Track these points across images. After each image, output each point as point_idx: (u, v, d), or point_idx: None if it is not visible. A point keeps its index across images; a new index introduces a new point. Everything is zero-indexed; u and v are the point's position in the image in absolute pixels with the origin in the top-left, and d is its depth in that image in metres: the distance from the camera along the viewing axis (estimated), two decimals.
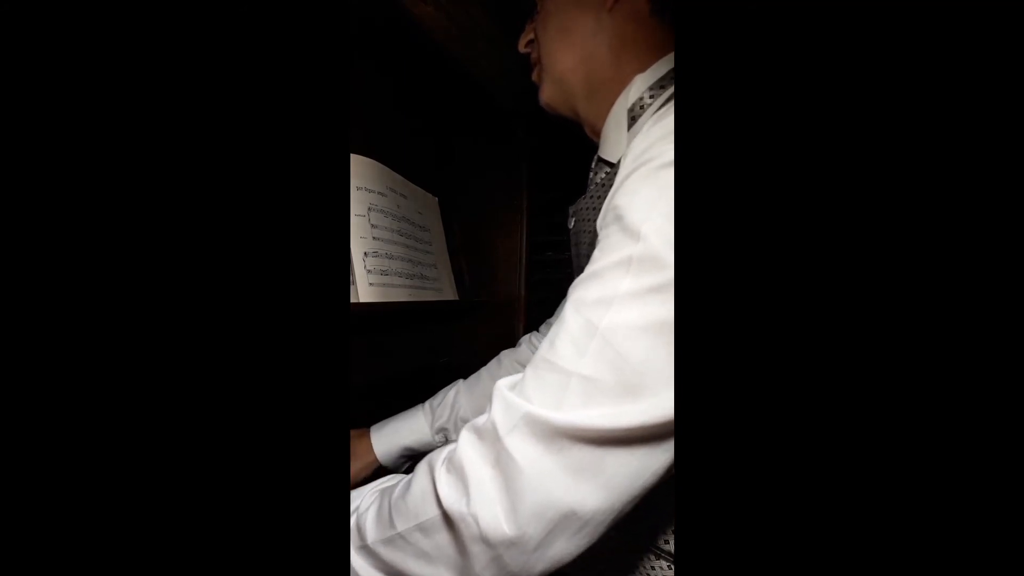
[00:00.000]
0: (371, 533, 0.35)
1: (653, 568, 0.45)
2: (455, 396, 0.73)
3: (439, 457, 0.34)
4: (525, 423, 0.31)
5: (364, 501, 0.39)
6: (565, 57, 0.50)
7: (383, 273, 0.73)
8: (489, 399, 0.34)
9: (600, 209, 0.46)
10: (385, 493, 0.37)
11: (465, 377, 0.80)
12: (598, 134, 0.53)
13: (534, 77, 0.57)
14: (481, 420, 0.34)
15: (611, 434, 0.29)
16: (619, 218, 0.33)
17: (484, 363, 0.82)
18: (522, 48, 0.58)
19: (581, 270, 0.47)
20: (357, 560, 0.36)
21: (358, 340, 0.78)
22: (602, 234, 0.35)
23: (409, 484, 0.35)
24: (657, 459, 0.30)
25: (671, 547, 0.44)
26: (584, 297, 0.33)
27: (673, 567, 0.43)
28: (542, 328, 0.83)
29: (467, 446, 0.33)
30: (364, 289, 0.68)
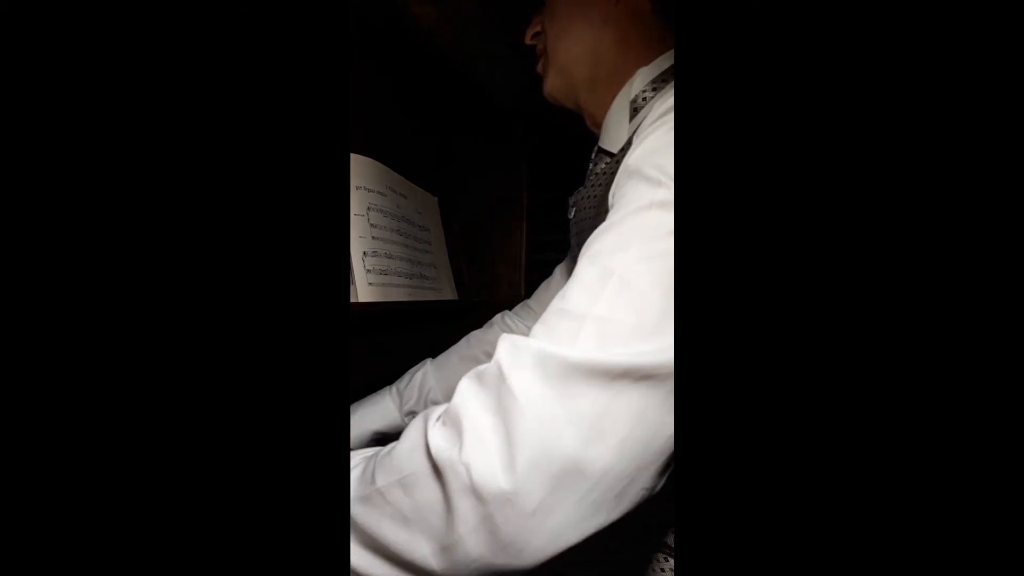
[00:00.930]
0: (352, 492, 0.31)
1: (663, 570, 0.43)
2: (423, 377, 0.71)
3: (436, 410, 0.31)
4: (534, 360, 0.28)
5: (353, 460, 0.35)
6: (571, 48, 0.52)
7: (383, 273, 0.73)
8: (493, 346, 0.33)
9: (600, 198, 0.47)
10: (375, 454, 0.33)
11: None
12: (599, 125, 0.54)
13: (539, 69, 0.58)
14: (484, 366, 0.31)
15: (627, 372, 0.26)
16: (636, 171, 0.33)
17: None
18: (529, 40, 0.59)
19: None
20: None
21: (358, 340, 0.78)
22: (616, 194, 0.35)
23: (399, 440, 0.32)
24: (669, 417, 0.27)
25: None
26: (600, 248, 0.31)
27: None
28: (516, 308, 0.81)
29: (466, 392, 0.29)
30: (364, 289, 0.68)
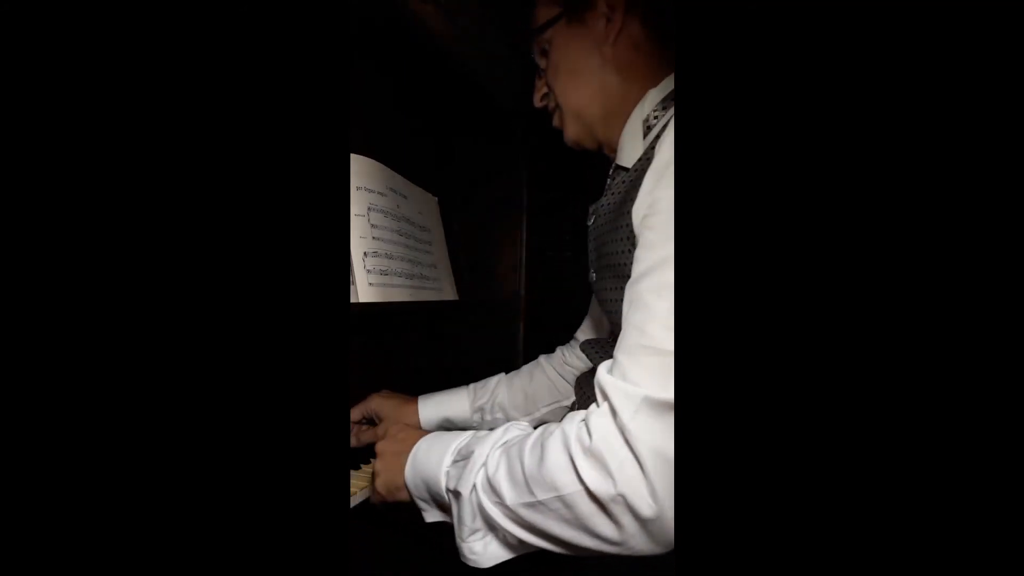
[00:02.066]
0: (508, 495, 0.40)
1: None
2: (496, 384, 0.81)
3: (571, 434, 0.38)
4: (646, 407, 0.35)
5: (490, 458, 0.42)
6: (580, 94, 0.57)
7: (383, 273, 0.73)
8: (598, 389, 0.39)
9: (617, 205, 0.51)
10: (511, 454, 0.41)
11: (466, 376, 0.83)
12: (615, 150, 0.58)
13: (555, 123, 0.63)
14: (602, 411, 0.38)
15: None
16: (672, 209, 0.37)
17: (484, 363, 0.83)
18: (538, 103, 0.64)
19: (602, 264, 0.54)
20: (497, 513, 0.40)
21: (358, 340, 0.78)
22: (653, 222, 0.40)
23: (542, 455, 0.39)
24: None
25: None
26: (664, 281, 0.37)
27: None
28: (572, 342, 0.86)
29: (600, 432, 0.37)
30: (364, 289, 0.68)
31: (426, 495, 0.47)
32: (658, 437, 0.35)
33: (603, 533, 0.36)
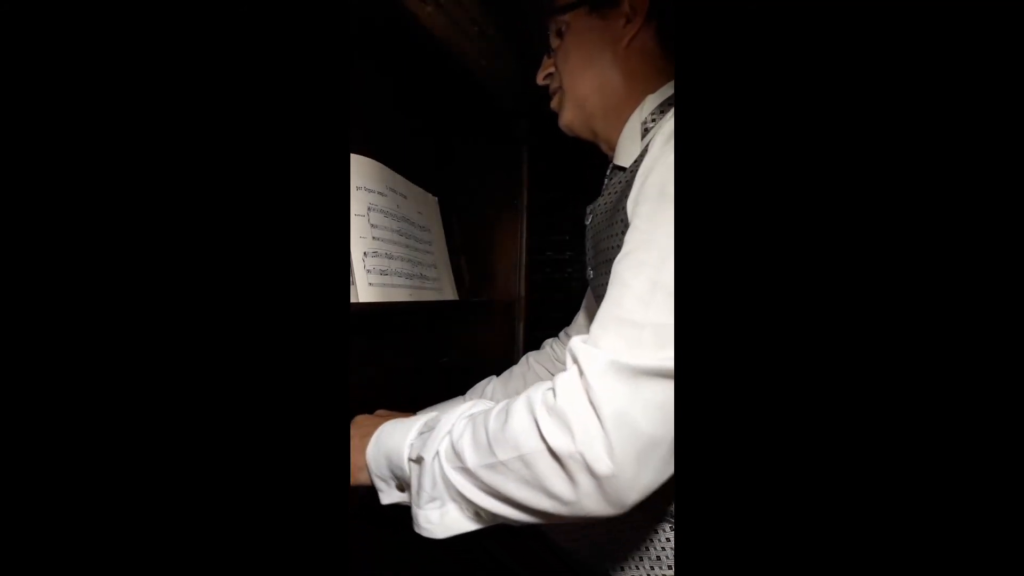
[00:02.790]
0: (470, 458, 0.40)
1: (668, 539, 0.51)
2: (492, 389, 0.81)
3: (536, 397, 0.39)
4: (611, 369, 0.36)
5: (455, 426, 0.43)
6: (585, 84, 0.59)
7: (383, 273, 0.73)
8: (569, 355, 0.40)
9: (614, 203, 0.53)
10: (476, 421, 0.42)
11: (466, 376, 0.82)
12: (612, 148, 0.60)
13: (553, 105, 0.65)
14: (569, 374, 0.39)
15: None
16: (662, 191, 0.39)
17: (484, 363, 0.82)
18: (540, 80, 0.66)
19: (599, 260, 0.56)
20: (458, 478, 0.41)
21: (358, 340, 0.78)
22: (641, 210, 0.42)
23: (506, 417, 0.40)
24: None
25: None
26: (643, 260, 0.39)
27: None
28: (561, 336, 0.87)
29: (565, 395, 0.38)
30: (364, 289, 0.68)
31: (386, 472, 0.47)
32: (622, 399, 0.35)
33: (558, 491, 0.37)
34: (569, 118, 0.62)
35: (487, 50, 0.74)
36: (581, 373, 0.37)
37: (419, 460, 0.43)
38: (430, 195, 0.95)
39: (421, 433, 0.46)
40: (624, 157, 0.57)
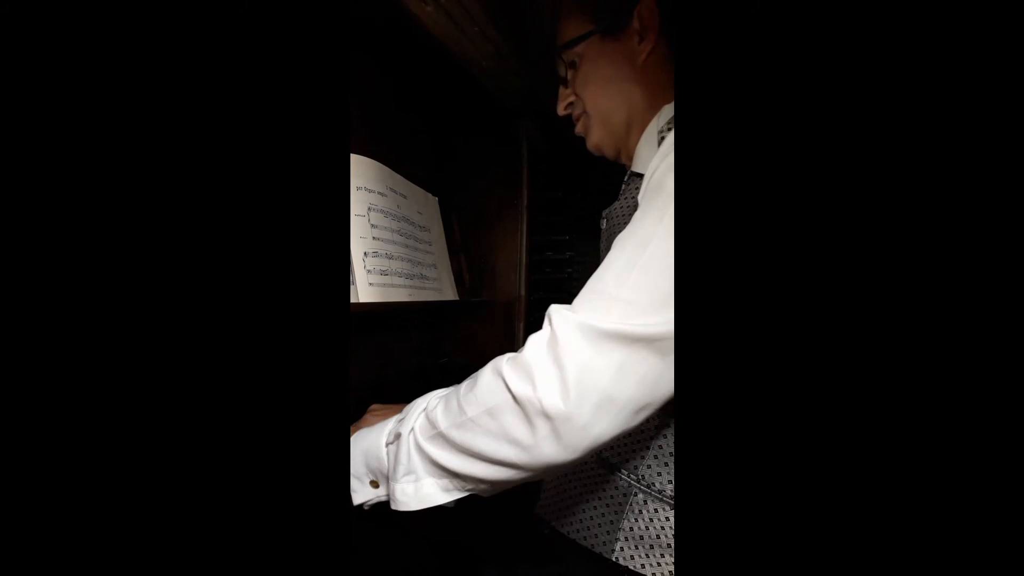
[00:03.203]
0: (442, 421, 0.44)
1: (655, 511, 0.52)
2: None
3: (501, 361, 0.44)
4: (579, 329, 0.40)
5: (430, 402, 0.47)
6: (609, 101, 0.61)
7: (383, 273, 0.73)
8: (546, 317, 0.43)
9: (631, 209, 0.55)
10: (450, 392, 0.46)
11: (465, 376, 0.81)
12: (631, 158, 0.63)
13: (578, 130, 0.67)
14: (542, 332, 0.43)
15: (642, 337, 0.39)
16: (660, 186, 0.42)
17: (484, 363, 0.82)
18: (562, 112, 0.67)
19: None
20: (430, 448, 0.44)
21: (358, 340, 0.78)
22: (644, 200, 0.45)
23: (475, 381, 0.44)
24: (669, 369, 0.40)
25: (661, 486, 0.52)
26: (627, 243, 0.42)
27: (660, 507, 0.52)
28: None
29: (532, 348, 0.42)
30: (364, 289, 0.68)
31: (361, 468, 0.49)
32: (585, 355, 0.39)
33: (518, 436, 0.40)
34: (597, 139, 0.64)
35: (487, 50, 0.74)
36: (552, 331, 0.41)
37: (396, 438, 0.46)
38: (430, 195, 0.95)
39: (400, 420, 0.48)
40: (641, 164, 0.58)
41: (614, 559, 0.53)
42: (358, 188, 0.72)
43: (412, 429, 0.45)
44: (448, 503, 0.45)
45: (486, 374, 0.44)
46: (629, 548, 0.53)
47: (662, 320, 0.39)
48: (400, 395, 0.79)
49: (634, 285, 0.40)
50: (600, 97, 0.62)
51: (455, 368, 1.00)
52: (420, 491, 0.45)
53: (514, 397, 0.40)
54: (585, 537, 0.56)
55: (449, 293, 0.94)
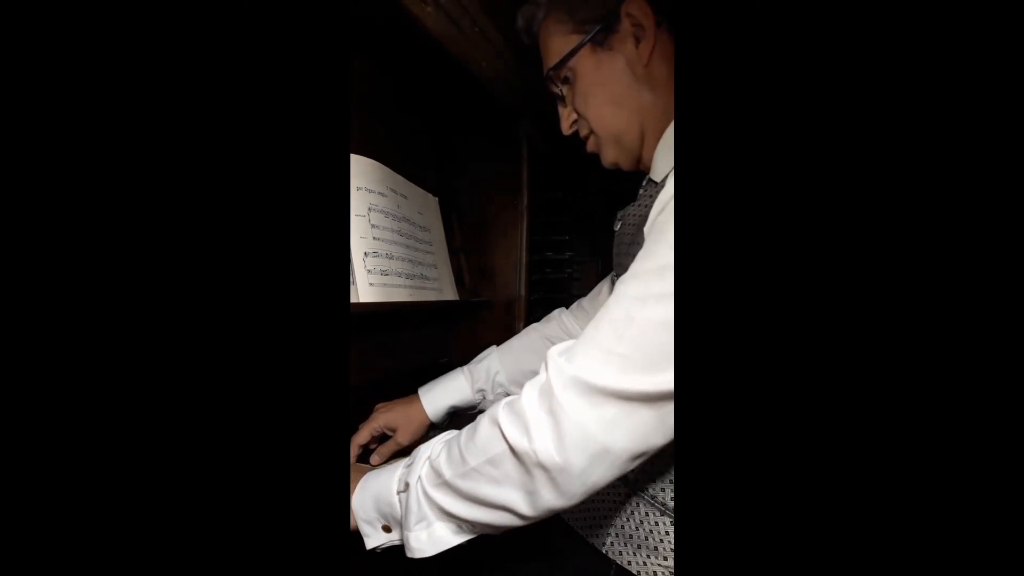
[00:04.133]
0: (447, 471, 0.44)
1: (646, 514, 0.54)
2: (489, 361, 0.83)
3: (497, 409, 0.44)
4: (573, 382, 0.40)
5: (433, 450, 0.47)
6: (617, 119, 0.56)
7: (383, 273, 0.73)
8: (543, 362, 0.43)
9: (644, 216, 0.52)
10: (451, 441, 0.46)
11: None
12: (649, 166, 0.58)
13: (590, 148, 0.61)
14: (539, 379, 0.43)
15: (636, 395, 0.39)
16: (662, 233, 0.41)
17: None
18: (567, 131, 0.62)
19: (620, 267, 0.57)
20: (438, 495, 0.44)
21: (358, 340, 0.78)
22: (648, 239, 0.44)
23: (474, 431, 0.44)
24: (668, 419, 0.40)
25: (665, 498, 0.53)
26: (627, 292, 0.42)
27: (651, 510, 0.53)
28: (572, 308, 0.87)
29: (527, 398, 0.42)
30: (364, 289, 0.68)
31: (373, 514, 0.49)
32: (579, 411, 0.39)
33: (520, 483, 0.41)
34: (612, 158, 0.60)
35: (487, 50, 0.74)
36: (548, 380, 0.41)
37: (406, 488, 0.46)
38: (430, 195, 0.95)
39: (408, 466, 0.49)
40: (658, 171, 0.55)
41: (604, 552, 0.56)
42: (358, 188, 0.72)
43: (419, 478, 0.46)
44: (462, 543, 0.46)
45: (484, 424, 0.44)
46: (619, 544, 0.55)
47: (659, 381, 0.38)
48: (400, 395, 0.79)
49: (631, 342, 0.39)
50: (605, 116, 0.56)
51: (455, 368, 1.00)
52: (433, 536, 0.45)
53: (511, 448, 0.41)
54: (581, 527, 0.59)
55: (449, 293, 0.94)
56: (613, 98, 0.55)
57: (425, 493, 0.45)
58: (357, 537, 0.50)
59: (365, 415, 0.75)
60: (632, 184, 0.66)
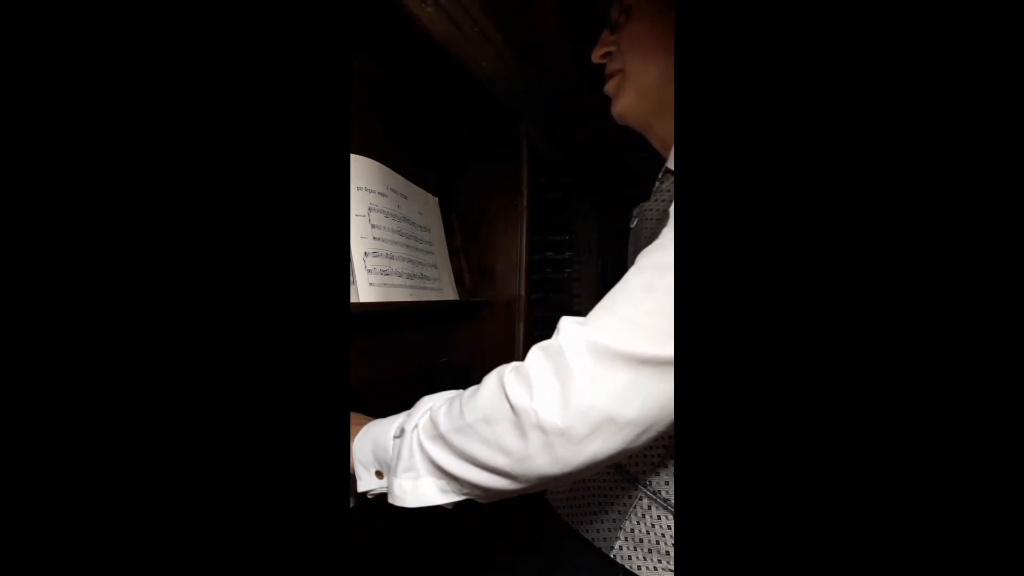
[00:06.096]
0: (443, 423, 0.43)
1: (648, 508, 0.53)
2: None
3: (506, 366, 0.44)
4: (588, 345, 0.39)
5: (436, 403, 0.47)
6: (653, 75, 0.55)
7: (383, 273, 0.73)
8: (556, 329, 0.42)
9: (663, 211, 0.51)
10: (455, 396, 0.46)
11: (466, 376, 0.81)
12: (668, 148, 0.58)
13: (608, 89, 0.60)
14: (547, 343, 0.42)
15: (653, 360, 0.38)
16: None
17: (484, 363, 0.82)
18: (596, 59, 0.61)
19: None
20: (431, 447, 0.44)
21: (358, 340, 0.78)
22: (670, 221, 0.43)
23: (479, 388, 0.44)
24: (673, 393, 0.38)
25: (666, 494, 0.52)
26: (648, 262, 0.41)
27: (663, 513, 0.52)
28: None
29: (534, 359, 0.41)
30: (364, 289, 0.68)
31: (369, 457, 0.48)
32: (589, 372, 0.38)
33: (511, 447, 0.40)
34: (626, 106, 0.58)
35: (487, 50, 0.74)
36: (559, 343, 0.41)
37: (401, 433, 0.46)
38: (430, 195, 0.95)
39: (407, 415, 0.48)
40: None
41: (612, 556, 0.54)
42: (358, 188, 0.72)
43: (416, 426, 0.45)
44: (445, 505, 0.45)
45: (490, 381, 0.43)
46: (628, 548, 0.53)
47: (671, 346, 0.37)
48: (400, 395, 0.79)
49: (650, 310, 0.39)
50: (648, 65, 0.55)
51: (455, 368, 1.00)
52: (418, 489, 0.45)
53: (512, 407, 0.40)
54: (588, 530, 0.57)
55: (449, 293, 0.94)
56: (658, 53, 0.54)
57: (419, 443, 0.44)
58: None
59: (365, 415, 0.75)
60: (632, 184, 0.66)
